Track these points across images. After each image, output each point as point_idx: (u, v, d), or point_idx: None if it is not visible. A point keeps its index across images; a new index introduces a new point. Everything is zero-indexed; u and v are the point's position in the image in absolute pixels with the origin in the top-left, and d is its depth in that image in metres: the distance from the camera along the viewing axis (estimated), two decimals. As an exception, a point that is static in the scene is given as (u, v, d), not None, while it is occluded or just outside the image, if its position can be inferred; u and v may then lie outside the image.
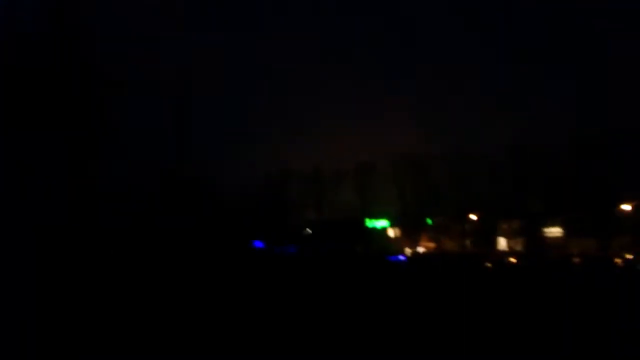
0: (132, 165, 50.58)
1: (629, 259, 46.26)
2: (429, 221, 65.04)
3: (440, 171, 62.02)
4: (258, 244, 62.35)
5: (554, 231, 60.18)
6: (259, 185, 63.78)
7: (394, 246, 65.15)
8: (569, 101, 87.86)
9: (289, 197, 64.79)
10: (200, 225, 51.41)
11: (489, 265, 46.27)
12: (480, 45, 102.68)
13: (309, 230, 66.36)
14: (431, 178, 62.02)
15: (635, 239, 51.88)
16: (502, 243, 64.92)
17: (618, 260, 46.41)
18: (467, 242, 61.65)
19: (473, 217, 60.76)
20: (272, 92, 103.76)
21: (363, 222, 65.52)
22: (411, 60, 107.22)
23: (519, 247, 62.29)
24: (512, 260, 53.13)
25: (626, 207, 51.97)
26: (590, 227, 53.16)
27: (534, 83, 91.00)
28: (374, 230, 66.94)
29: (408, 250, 63.37)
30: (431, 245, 66.33)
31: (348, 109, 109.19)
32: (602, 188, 52.84)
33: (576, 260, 47.47)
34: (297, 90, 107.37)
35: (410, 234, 63.82)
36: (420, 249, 63.68)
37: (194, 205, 52.10)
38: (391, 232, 69.03)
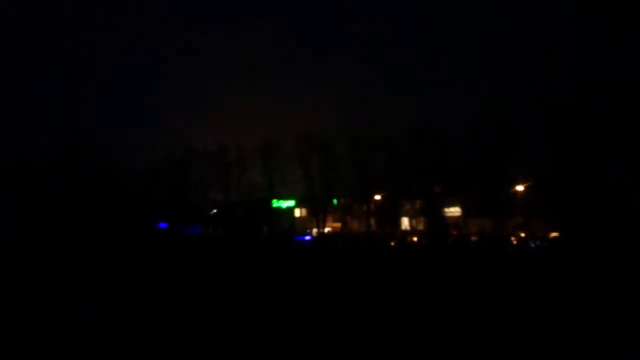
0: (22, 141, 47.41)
1: (522, 237, 48.78)
2: (335, 201, 65.70)
3: (345, 152, 62.51)
4: (162, 225, 60.77)
5: (454, 211, 62.42)
6: (162, 165, 61.89)
7: (300, 226, 65.39)
8: (466, 84, 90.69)
9: (193, 177, 63.26)
10: (101, 208, 49.23)
11: (392, 244, 47.43)
12: (382, 27, 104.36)
13: (214, 211, 65.29)
14: (336, 159, 62.41)
15: (527, 219, 54.70)
16: (405, 222, 66.74)
17: (513, 239, 48.84)
18: (372, 222, 62.84)
19: (377, 197, 61.92)
20: (177, 70, 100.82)
21: (269, 203, 65.14)
22: (319, 41, 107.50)
23: (420, 227, 64.27)
24: (414, 239, 54.73)
25: (519, 188, 54.50)
26: (486, 207, 55.36)
27: (433, 66, 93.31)
28: (280, 210, 66.80)
29: (314, 231, 63.80)
30: (337, 225, 67.10)
31: (253, 88, 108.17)
32: (497, 170, 55.12)
33: (474, 238, 49.49)
34: (201, 69, 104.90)
35: (316, 214, 64.20)
36: (326, 229, 64.28)
37: (94, 189, 49.79)
38: (297, 213, 69.22)
